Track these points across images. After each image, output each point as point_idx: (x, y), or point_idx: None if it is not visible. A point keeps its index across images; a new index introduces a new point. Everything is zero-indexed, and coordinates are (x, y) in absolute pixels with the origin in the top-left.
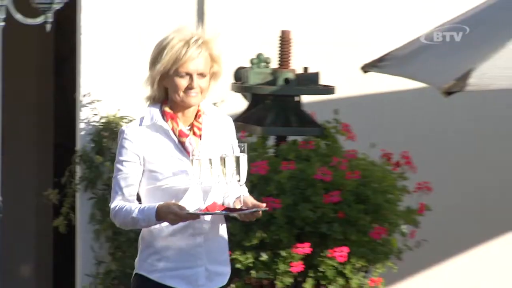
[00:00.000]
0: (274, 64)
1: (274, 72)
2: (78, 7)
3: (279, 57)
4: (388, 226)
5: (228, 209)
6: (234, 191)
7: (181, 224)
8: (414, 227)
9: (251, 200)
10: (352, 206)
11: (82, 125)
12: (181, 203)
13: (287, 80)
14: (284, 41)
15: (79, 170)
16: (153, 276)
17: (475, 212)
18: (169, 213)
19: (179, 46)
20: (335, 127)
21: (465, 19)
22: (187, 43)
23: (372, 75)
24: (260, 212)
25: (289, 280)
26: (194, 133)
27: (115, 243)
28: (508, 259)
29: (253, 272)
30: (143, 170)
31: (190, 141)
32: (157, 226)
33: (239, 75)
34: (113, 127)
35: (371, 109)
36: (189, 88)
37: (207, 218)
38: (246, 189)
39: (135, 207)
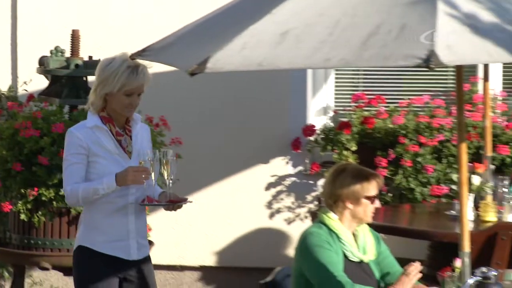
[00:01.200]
0: (68, 53)
1: (68, 59)
2: None
3: (71, 49)
4: None
5: (171, 201)
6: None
7: (117, 205)
8: None
9: (174, 195)
10: None
11: None
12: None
13: (77, 65)
14: (75, 37)
15: None
16: (95, 247)
17: (213, 158)
18: (126, 171)
19: (128, 73)
20: None
21: (218, 14)
22: (135, 70)
23: (142, 62)
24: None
25: (81, 208)
26: (126, 134)
27: None
28: (238, 192)
29: (54, 203)
30: (88, 161)
31: (125, 139)
32: (98, 208)
33: (43, 61)
34: None
35: (151, 86)
36: (130, 105)
37: (135, 201)
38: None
39: (91, 182)
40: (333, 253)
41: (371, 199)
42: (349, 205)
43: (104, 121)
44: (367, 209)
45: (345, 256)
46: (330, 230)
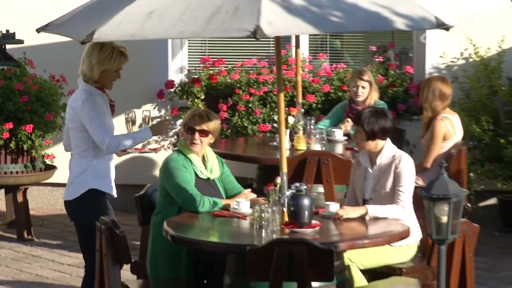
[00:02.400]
0: None
1: None
2: None
3: None
4: (54, 113)
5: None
6: None
7: (110, 155)
8: None
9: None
10: (35, 103)
11: None
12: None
13: None
14: None
15: None
16: (103, 189)
17: None
18: (160, 124)
19: (120, 55)
20: (24, 61)
21: None
22: (124, 53)
23: (46, 34)
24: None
25: (0, 142)
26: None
27: None
28: None
29: None
30: None
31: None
32: (102, 157)
33: None
34: None
35: (45, 51)
36: (115, 79)
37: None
38: None
39: (127, 135)
40: (187, 174)
41: (190, 130)
42: (184, 133)
43: (100, 91)
44: (188, 139)
45: (196, 175)
46: (185, 156)
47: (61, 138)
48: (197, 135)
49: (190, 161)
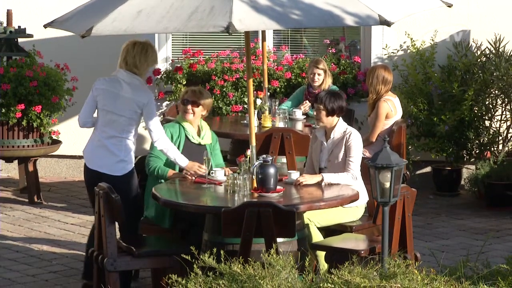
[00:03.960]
0: (5, 24)
1: (5, 28)
2: None
3: (7, 21)
4: (58, 96)
5: None
6: None
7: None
8: (71, 96)
9: None
10: (43, 87)
11: None
12: None
13: (11, 31)
14: (9, 14)
15: None
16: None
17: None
18: (194, 164)
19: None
20: (34, 52)
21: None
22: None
23: (52, 29)
24: None
25: (14, 120)
26: None
27: None
28: None
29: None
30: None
31: None
32: (134, 141)
33: None
34: None
35: (51, 43)
36: None
37: None
38: None
39: (175, 148)
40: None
41: (184, 101)
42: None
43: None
44: (182, 109)
45: (188, 139)
46: (180, 124)
47: (66, 117)
48: (189, 105)
49: (184, 128)
